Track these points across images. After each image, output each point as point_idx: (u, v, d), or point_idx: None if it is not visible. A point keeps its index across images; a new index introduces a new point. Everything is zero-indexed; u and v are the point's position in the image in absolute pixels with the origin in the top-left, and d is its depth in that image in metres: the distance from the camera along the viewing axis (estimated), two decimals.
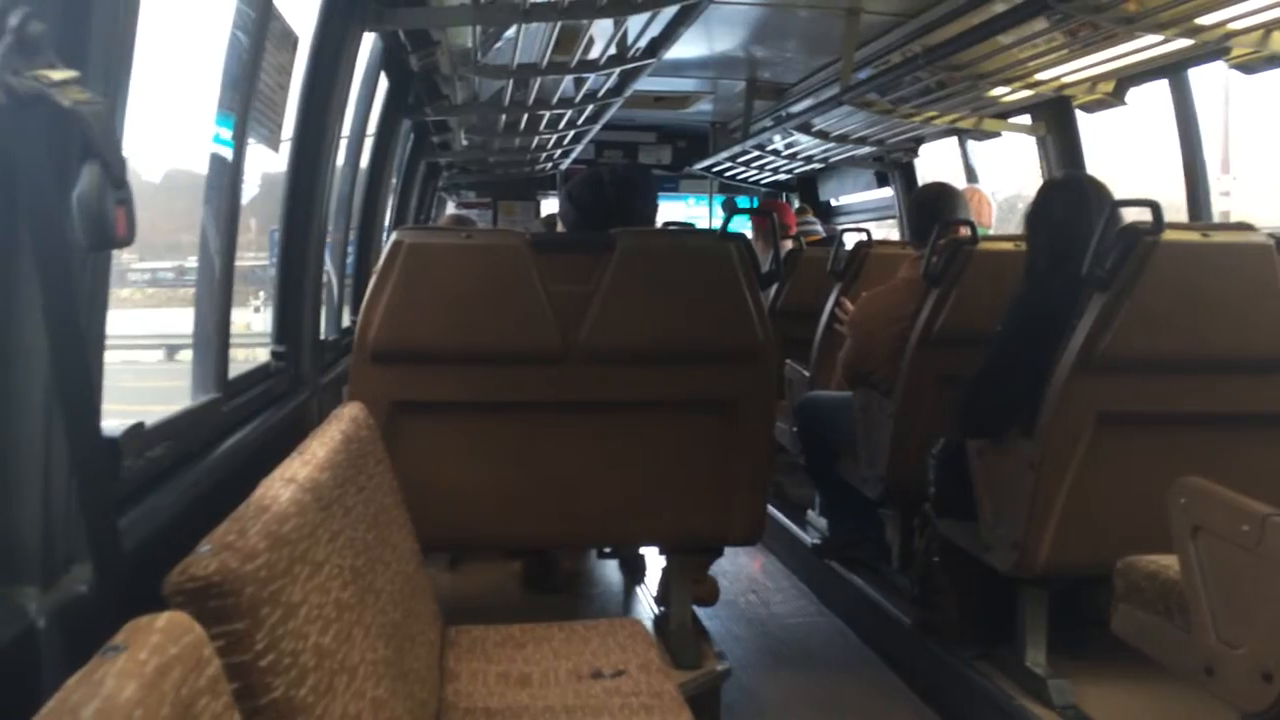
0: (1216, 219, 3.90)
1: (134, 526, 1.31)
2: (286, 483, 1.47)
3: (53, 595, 1.09)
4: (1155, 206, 2.49)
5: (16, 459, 1.09)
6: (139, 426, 1.43)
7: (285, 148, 2.75)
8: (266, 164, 2.81)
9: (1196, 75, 3.63)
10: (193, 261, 2.36)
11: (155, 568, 1.10)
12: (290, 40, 2.48)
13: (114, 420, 1.38)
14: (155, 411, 1.65)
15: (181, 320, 2.17)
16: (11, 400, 1.08)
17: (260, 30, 2.19)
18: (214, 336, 2.02)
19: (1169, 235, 2.49)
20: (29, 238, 0.99)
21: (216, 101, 2.18)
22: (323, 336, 3.15)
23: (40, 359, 1.07)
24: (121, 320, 1.32)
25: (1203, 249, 2.55)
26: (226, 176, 2.13)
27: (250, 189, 2.60)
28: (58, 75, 0.96)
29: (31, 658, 1.04)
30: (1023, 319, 2.73)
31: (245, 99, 2.16)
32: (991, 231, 4.41)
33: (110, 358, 1.28)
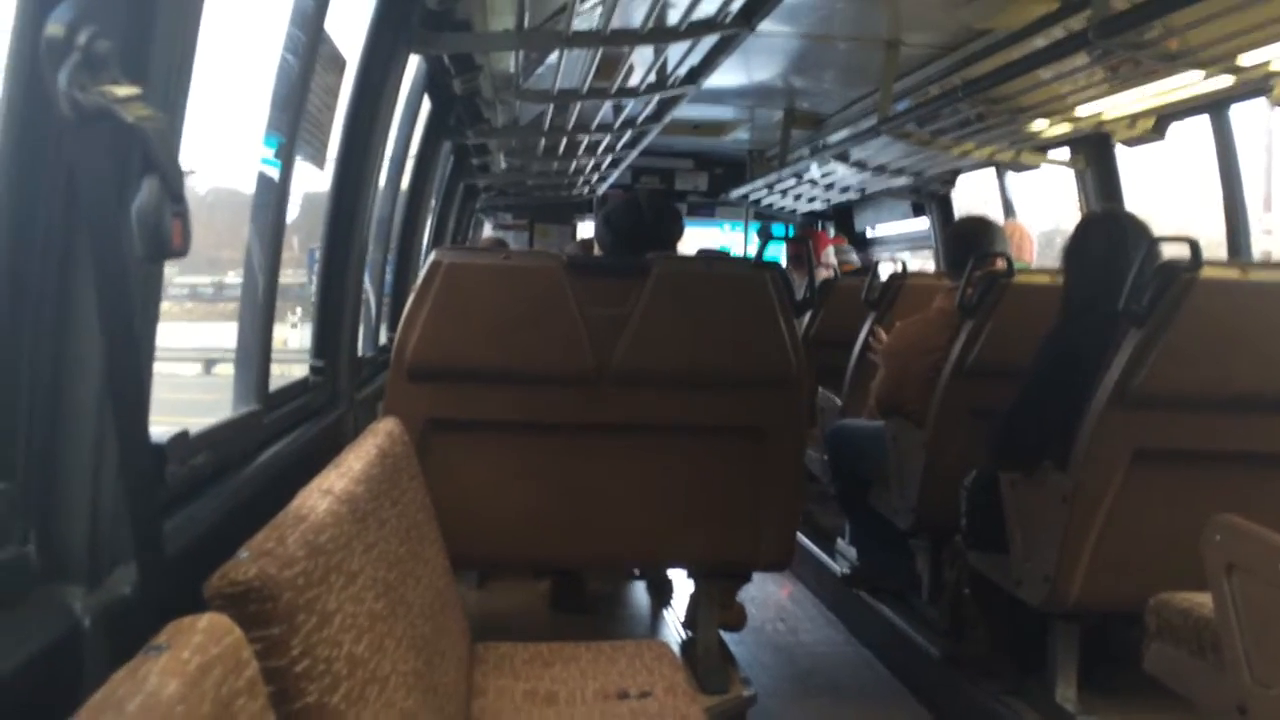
0: (1258, 257, 3.87)
1: (177, 531, 1.34)
2: (323, 494, 1.50)
3: (98, 595, 1.12)
4: (1193, 243, 2.48)
5: (68, 462, 1.12)
6: (183, 435, 1.46)
7: (329, 167, 2.80)
8: (308, 184, 2.87)
9: (1241, 112, 3.62)
10: (231, 277, 2.41)
11: (196, 572, 1.13)
12: (338, 63, 2.54)
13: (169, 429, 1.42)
14: (195, 424, 1.69)
15: (219, 334, 2.21)
16: (66, 404, 1.12)
17: (310, 53, 2.24)
18: (256, 351, 2.06)
19: (1207, 272, 2.47)
20: (90, 247, 1.02)
21: (266, 123, 2.23)
22: (360, 353, 3.19)
23: (94, 365, 1.11)
24: (162, 333, 1.35)
25: (1240, 287, 2.53)
26: (273, 196, 2.17)
27: (293, 209, 2.65)
28: (122, 91, 1.00)
29: (76, 656, 1.07)
30: (1058, 353, 2.73)
31: (294, 119, 2.21)
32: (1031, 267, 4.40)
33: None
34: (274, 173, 2.20)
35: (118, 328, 1.03)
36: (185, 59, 1.25)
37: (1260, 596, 1.87)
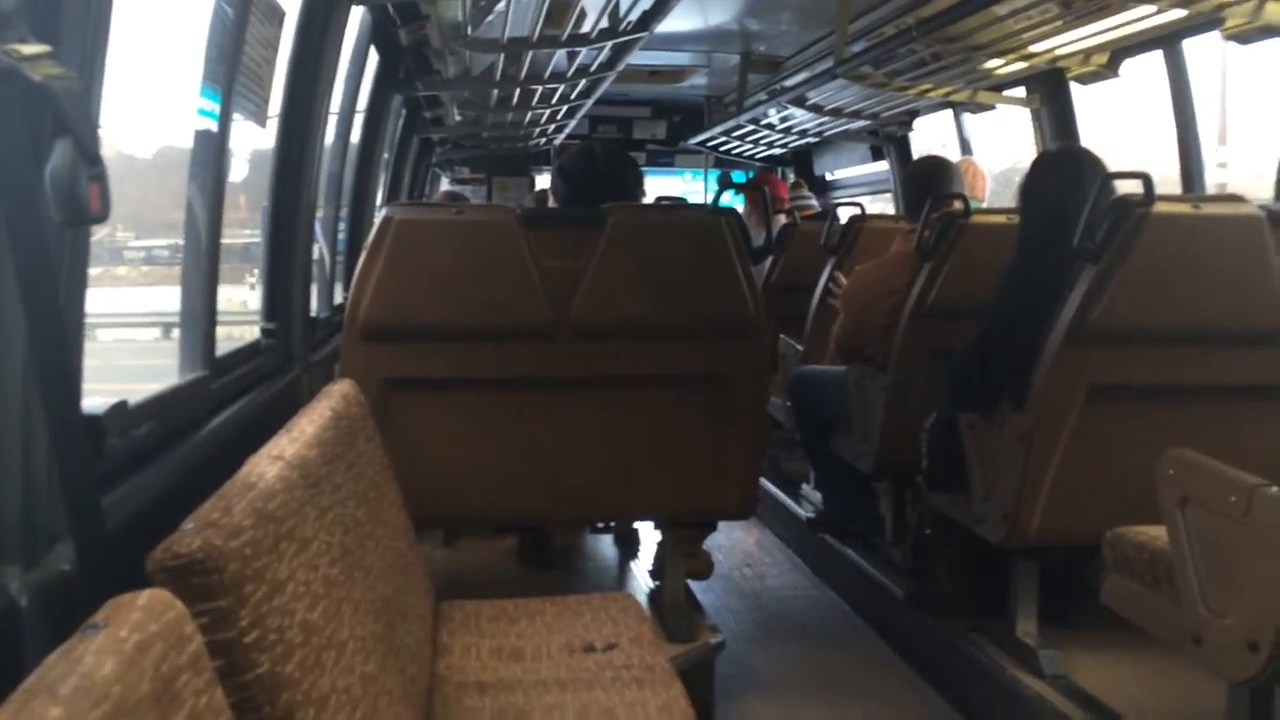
0: (1212, 191, 3.89)
1: (119, 505, 1.31)
2: (273, 460, 1.47)
3: (35, 574, 1.09)
4: (1147, 178, 2.48)
5: None
6: (122, 405, 1.42)
7: (273, 125, 2.73)
8: (256, 141, 2.80)
9: (1194, 46, 3.62)
10: None
11: (140, 546, 1.10)
12: (276, 15, 2.46)
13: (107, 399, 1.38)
14: (150, 391, 1.65)
15: (176, 298, 2.16)
16: None
17: (245, 2, 2.17)
18: (201, 314, 2.01)
19: (1160, 207, 2.48)
20: (2, 214, 0.98)
21: (202, 74, 2.16)
22: (315, 314, 3.14)
23: (18, 337, 1.07)
24: (118, 298, 1.32)
25: (1193, 221, 2.54)
26: (212, 151, 2.11)
27: (240, 166, 2.58)
28: (29, 50, 0.95)
29: (14, 636, 1.04)
30: (1014, 292, 2.73)
31: (230, 74, 2.14)
32: (985, 204, 4.41)
33: (106, 336, 1.28)
34: (212, 126, 2.13)
35: (39, 297, 0.99)
36: (101, 15, 1.20)
37: (1213, 529, 1.90)
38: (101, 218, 0.95)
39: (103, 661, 0.82)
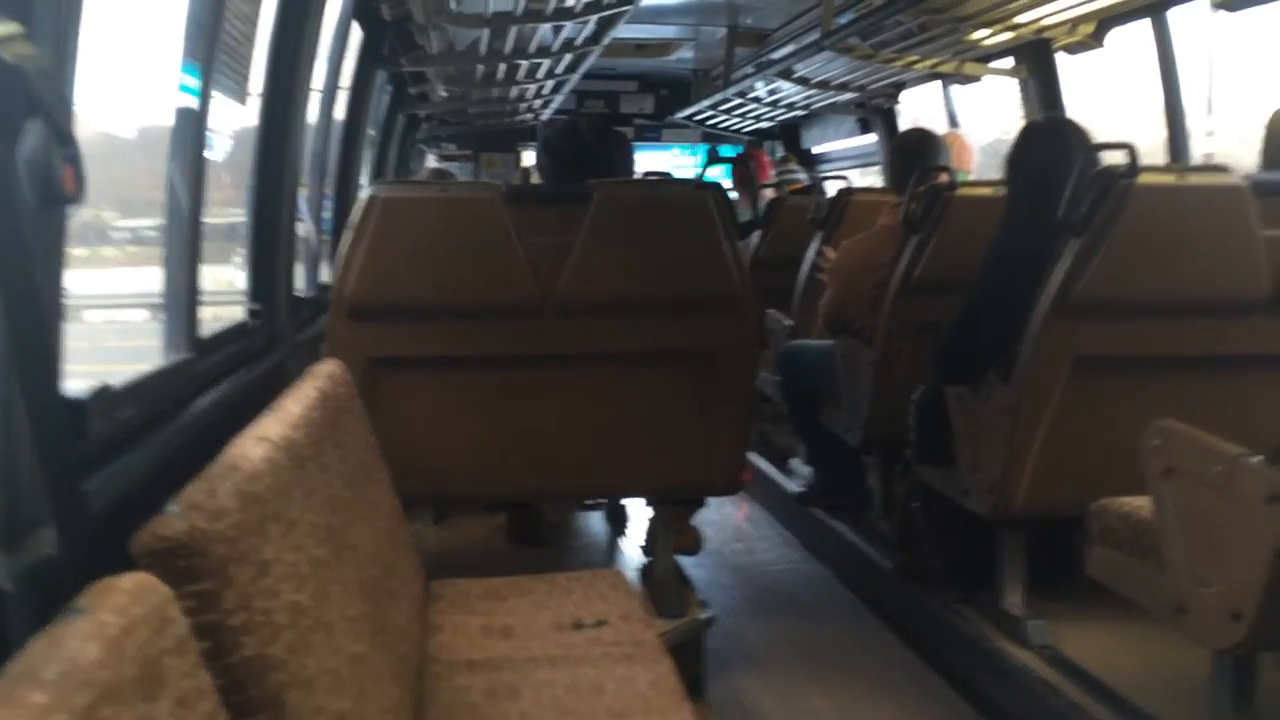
0: (1201, 160, 3.89)
1: (103, 488, 1.30)
2: (259, 441, 1.46)
3: (18, 558, 1.08)
4: (1131, 149, 2.48)
5: None
6: (106, 388, 1.41)
7: (254, 103, 2.70)
8: (242, 118, 2.77)
9: (1181, 15, 3.60)
10: None
11: (124, 529, 1.09)
12: None
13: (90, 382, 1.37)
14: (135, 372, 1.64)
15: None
16: None
17: None
18: (184, 294, 2.00)
19: (1145, 178, 2.48)
20: None
21: (182, 50, 2.13)
22: (302, 294, 3.12)
23: None
24: (106, 280, 1.31)
25: (1178, 192, 2.54)
26: (192, 128, 2.09)
27: (226, 143, 2.55)
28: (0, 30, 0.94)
29: None
30: (1000, 264, 2.73)
31: (209, 50, 2.11)
32: (972, 177, 4.40)
33: (94, 317, 1.27)
34: (193, 103, 2.11)
35: (14, 280, 0.98)
36: None
37: (1197, 498, 1.91)
38: (76, 199, 0.94)
39: (86, 646, 0.82)
